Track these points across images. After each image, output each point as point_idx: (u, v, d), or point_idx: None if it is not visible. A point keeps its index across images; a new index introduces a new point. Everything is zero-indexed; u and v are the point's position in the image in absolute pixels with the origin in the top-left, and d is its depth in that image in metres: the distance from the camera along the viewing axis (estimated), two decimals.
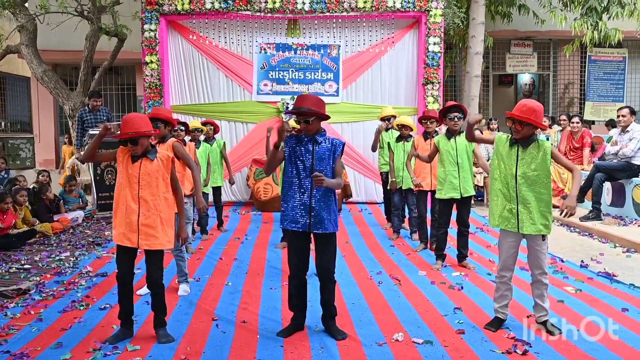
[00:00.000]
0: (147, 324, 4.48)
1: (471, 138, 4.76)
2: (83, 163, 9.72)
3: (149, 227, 4.11)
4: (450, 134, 6.24)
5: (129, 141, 4.06)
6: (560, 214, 4.32)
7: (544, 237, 4.33)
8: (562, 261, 6.61)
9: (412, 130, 7.69)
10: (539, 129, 4.32)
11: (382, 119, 8.45)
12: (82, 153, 10.38)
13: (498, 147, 4.41)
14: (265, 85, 11.18)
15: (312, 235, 4.35)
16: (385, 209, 8.93)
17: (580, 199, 9.64)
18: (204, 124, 8.32)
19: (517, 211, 4.30)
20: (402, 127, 7.66)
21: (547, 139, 5.34)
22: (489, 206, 4.59)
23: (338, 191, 9.23)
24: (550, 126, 11.99)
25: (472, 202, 10.87)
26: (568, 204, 4.28)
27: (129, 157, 4.14)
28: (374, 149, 8.57)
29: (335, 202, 4.31)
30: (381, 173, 8.72)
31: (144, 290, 5.16)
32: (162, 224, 4.16)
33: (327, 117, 4.29)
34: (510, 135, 4.37)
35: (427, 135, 7.07)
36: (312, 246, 4.40)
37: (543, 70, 16.76)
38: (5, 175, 10.36)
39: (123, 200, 4.10)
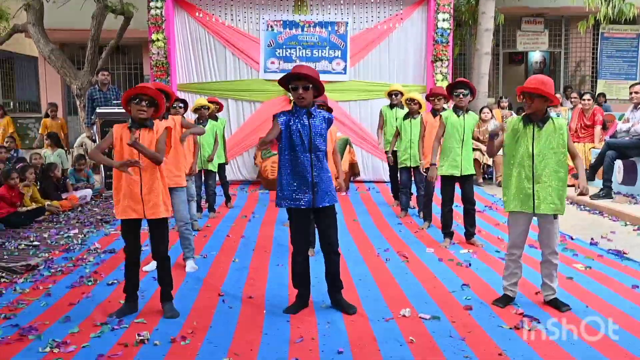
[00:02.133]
0: (153, 299, 4.50)
1: (492, 154, 4.69)
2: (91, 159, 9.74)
3: (152, 196, 4.13)
4: (458, 110, 6.19)
5: (146, 100, 4.06)
6: (576, 193, 4.29)
7: (555, 216, 4.29)
8: (572, 239, 6.58)
9: (420, 106, 7.62)
10: (551, 106, 4.26)
11: (389, 94, 8.40)
12: (92, 132, 10.42)
13: (511, 131, 4.34)
14: (273, 63, 11.11)
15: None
16: (392, 187, 8.90)
17: (591, 177, 9.56)
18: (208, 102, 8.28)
19: (533, 191, 4.24)
20: (410, 102, 7.60)
21: (558, 117, 5.28)
22: (502, 187, 4.53)
23: (345, 169, 9.24)
24: (561, 104, 11.88)
25: (481, 180, 10.91)
26: (583, 184, 4.26)
27: (126, 129, 4.14)
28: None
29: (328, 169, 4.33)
30: (386, 152, 8.68)
31: (151, 266, 5.19)
32: (162, 193, 4.19)
33: (323, 90, 4.22)
34: (520, 117, 4.32)
35: (435, 112, 7.02)
36: None
37: (554, 47, 16.58)
38: (15, 155, 10.41)
39: (125, 174, 4.09)
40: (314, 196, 4.18)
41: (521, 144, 4.28)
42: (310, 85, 4.12)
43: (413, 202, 8.29)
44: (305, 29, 11.07)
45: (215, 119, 8.24)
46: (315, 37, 11.10)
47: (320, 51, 11.10)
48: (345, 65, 11.10)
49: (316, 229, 4.51)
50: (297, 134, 4.14)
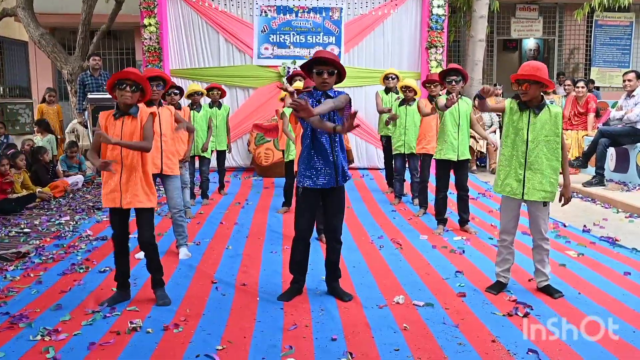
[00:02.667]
0: (146, 286, 4.47)
1: (482, 108, 4.64)
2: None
3: (130, 185, 4.09)
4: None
5: (130, 85, 4.01)
6: (560, 204, 4.42)
7: (545, 203, 4.30)
8: (565, 226, 6.60)
9: (415, 93, 7.60)
10: (547, 92, 4.25)
11: (384, 77, 8.36)
12: (84, 118, 10.35)
13: (509, 113, 4.33)
14: (266, 49, 11.03)
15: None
16: (386, 174, 8.89)
17: (584, 164, 9.60)
18: (210, 88, 8.22)
19: (524, 177, 4.25)
20: (405, 89, 7.58)
21: (552, 104, 5.26)
22: (494, 173, 4.54)
23: None
24: (554, 91, 11.87)
25: (475, 167, 10.92)
26: (567, 195, 4.39)
27: (112, 117, 4.11)
28: (381, 111, 8.42)
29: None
30: (381, 137, 8.66)
31: (141, 254, 5.17)
32: (142, 182, 4.14)
33: (344, 76, 4.18)
34: (519, 101, 4.30)
35: (432, 98, 7.00)
36: None
37: (548, 35, 16.53)
38: (5, 140, 10.31)
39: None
40: (336, 175, 4.17)
41: (517, 130, 4.27)
42: (336, 71, 4.09)
43: (407, 189, 8.28)
44: (300, 15, 11.00)
45: (219, 105, 8.20)
46: (309, 23, 11.02)
47: (314, 37, 11.03)
48: (340, 52, 11.03)
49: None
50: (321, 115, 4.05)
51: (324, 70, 4.06)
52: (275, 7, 10.97)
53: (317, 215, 4.94)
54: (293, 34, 11.03)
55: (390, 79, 8.31)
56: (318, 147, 4.15)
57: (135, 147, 4.04)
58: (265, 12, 10.97)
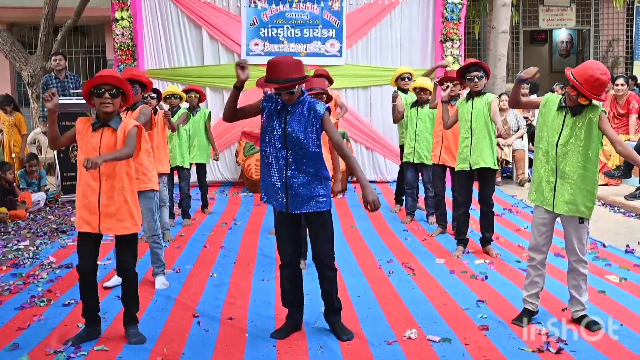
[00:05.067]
0: (117, 321, 4.47)
1: (515, 103, 4.63)
2: (53, 149, 9.66)
3: (111, 208, 4.07)
4: (470, 95, 6.18)
5: (109, 90, 4.00)
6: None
7: (582, 220, 4.28)
8: (604, 246, 6.58)
9: (431, 94, 7.61)
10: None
11: (398, 78, 8.33)
12: (47, 126, 10.34)
13: (546, 109, 4.33)
14: (256, 45, 11.07)
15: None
16: (397, 187, 8.86)
17: (626, 174, 9.57)
18: (187, 90, 8.26)
19: (555, 186, 4.25)
20: (420, 90, 7.58)
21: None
22: (522, 185, 4.53)
23: (343, 168, 9.25)
24: None
25: (499, 179, 10.90)
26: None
27: (89, 127, 4.10)
28: (395, 119, 8.42)
29: (323, 170, 4.19)
30: (401, 146, 8.58)
31: (113, 282, 5.17)
32: (127, 204, 4.11)
33: (305, 79, 4.14)
34: (561, 97, 4.30)
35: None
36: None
37: (582, 25, 16.59)
38: None
39: (82, 177, 4.06)
40: (287, 200, 4.14)
41: (550, 130, 4.27)
42: (295, 89, 4.08)
43: (421, 204, 8.27)
44: (294, 5, 11.03)
45: (196, 110, 8.23)
46: (305, 15, 11.06)
47: (311, 31, 11.07)
48: (341, 47, 11.07)
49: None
50: (272, 125, 4.11)
51: (280, 91, 4.06)
52: None
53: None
54: (287, 27, 11.06)
55: (406, 79, 8.26)
56: (270, 162, 4.16)
57: (119, 157, 4.00)
58: (254, 2, 11.03)
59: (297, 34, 11.07)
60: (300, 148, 4.08)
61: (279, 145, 4.09)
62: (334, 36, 11.09)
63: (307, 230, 4.39)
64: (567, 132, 4.21)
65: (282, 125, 4.08)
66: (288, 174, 4.11)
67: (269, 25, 11.06)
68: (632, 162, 4.33)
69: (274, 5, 11.03)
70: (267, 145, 4.15)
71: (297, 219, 4.29)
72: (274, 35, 11.06)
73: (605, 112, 4.22)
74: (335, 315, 4.36)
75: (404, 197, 8.48)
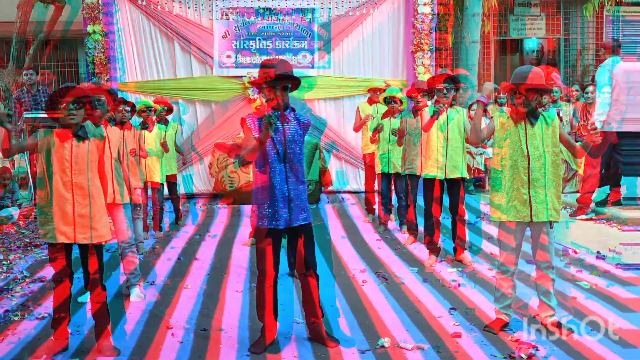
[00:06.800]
0: (91, 334, 4.43)
1: (479, 140, 4.64)
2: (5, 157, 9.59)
3: (86, 218, 4.07)
4: (416, 110, 6.23)
5: (72, 103, 4.02)
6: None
7: (551, 224, 4.35)
8: (576, 253, 6.64)
9: (402, 104, 7.66)
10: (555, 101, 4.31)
11: (385, 101, 8.25)
12: (19, 141, 10.25)
13: (502, 129, 4.39)
14: (229, 57, 11.08)
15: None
16: (365, 198, 8.89)
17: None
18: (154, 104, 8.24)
19: (530, 197, 4.30)
20: (390, 100, 7.61)
21: (559, 114, 5.36)
22: (490, 194, 4.56)
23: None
24: (567, 97, 11.91)
25: (472, 188, 10.98)
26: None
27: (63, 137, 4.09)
28: (359, 127, 8.46)
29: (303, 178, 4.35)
30: (364, 155, 8.66)
31: (87, 296, 5.12)
32: (100, 213, 4.14)
33: (298, 80, 4.24)
34: (507, 115, 4.36)
35: (417, 111, 7.04)
36: None
37: (552, 34, 16.80)
38: None
39: (55, 188, 4.04)
40: (290, 214, 4.19)
41: (514, 145, 4.33)
42: (290, 85, 4.13)
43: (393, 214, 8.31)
44: (266, 17, 11.07)
45: (165, 123, 8.20)
46: (277, 26, 11.10)
47: (283, 42, 11.11)
48: (313, 58, 11.13)
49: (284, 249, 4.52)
50: (270, 141, 4.13)
51: (280, 85, 4.12)
52: (237, 9, 11.04)
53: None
54: (259, 39, 11.09)
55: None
56: (270, 178, 4.21)
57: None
58: (226, 14, 11.04)
59: (269, 46, 11.10)
60: (295, 159, 4.22)
61: (278, 160, 4.16)
62: (306, 48, 11.13)
63: (289, 242, 4.45)
64: (534, 141, 4.28)
65: (282, 139, 4.15)
66: (290, 187, 4.18)
67: (241, 38, 11.08)
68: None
69: (245, 17, 11.05)
70: (265, 163, 4.18)
71: (284, 234, 4.33)
72: (247, 47, 11.08)
73: (561, 119, 4.31)
74: (319, 323, 4.36)
75: (375, 207, 8.54)
